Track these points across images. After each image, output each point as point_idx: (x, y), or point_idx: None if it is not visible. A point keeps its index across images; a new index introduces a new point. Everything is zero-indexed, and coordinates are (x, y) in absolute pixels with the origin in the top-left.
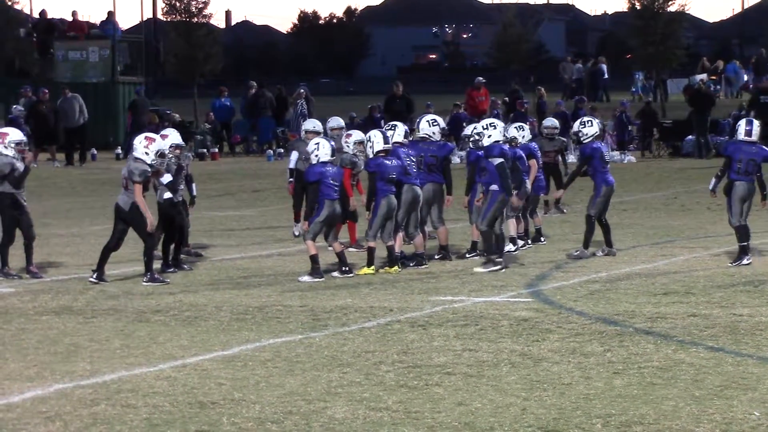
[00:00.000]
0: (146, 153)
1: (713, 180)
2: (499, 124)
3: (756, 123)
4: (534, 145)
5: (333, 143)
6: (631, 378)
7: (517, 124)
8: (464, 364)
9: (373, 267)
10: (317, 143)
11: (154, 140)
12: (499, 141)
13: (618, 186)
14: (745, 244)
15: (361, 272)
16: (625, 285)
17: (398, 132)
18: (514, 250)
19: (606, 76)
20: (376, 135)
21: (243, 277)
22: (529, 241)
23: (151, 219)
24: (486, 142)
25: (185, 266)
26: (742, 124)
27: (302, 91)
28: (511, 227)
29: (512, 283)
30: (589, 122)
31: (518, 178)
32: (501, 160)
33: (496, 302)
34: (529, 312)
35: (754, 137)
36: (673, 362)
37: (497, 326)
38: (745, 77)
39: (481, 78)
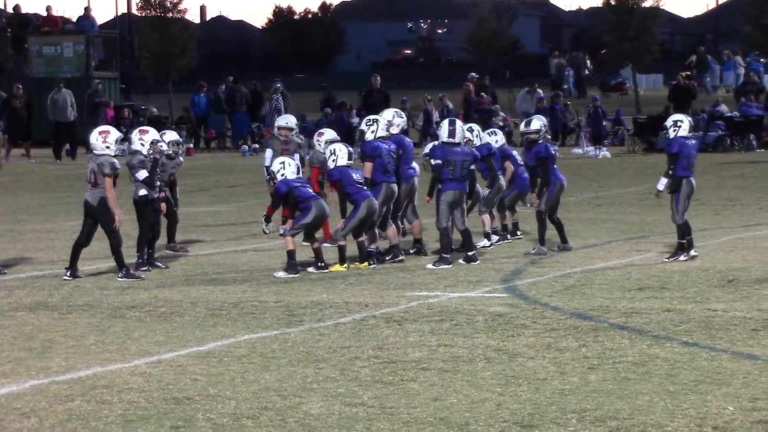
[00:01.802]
0: (107, 146)
1: (665, 180)
2: (444, 125)
3: (690, 119)
4: (509, 148)
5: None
6: (606, 373)
7: (490, 130)
8: (439, 360)
9: (346, 264)
10: (334, 149)
11: (108, 132)
12: (446, 143)
13: (593, 181)
14: (684, 241)
15: (333, 269)
16: (600, 280)
17: (380, 126)
18: (489, 246)
19: (587, 72)
20: (340, 149)
21: (218, 273)
22: (508, 236)
23: (120, 214)
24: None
25: (160, 264)
26: (684, 120)
27: (278, 86)
28: (486, 223)
29: (487, 278)
30: (544, 126)
31: (491, 176)
32: (439, 161)
33: (472, 297)
34: (504, 307)
35: (691, 132)
36: (648, 357)
37: (472, 321)
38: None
39: (474, 74)
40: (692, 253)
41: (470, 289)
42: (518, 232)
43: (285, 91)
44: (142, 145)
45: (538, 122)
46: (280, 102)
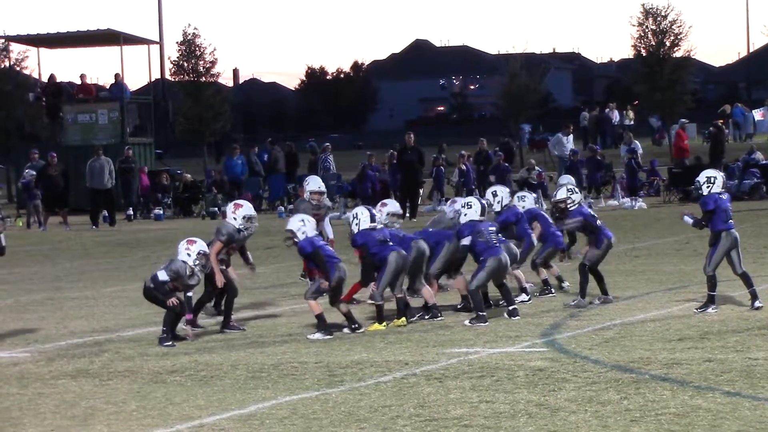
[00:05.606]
0: (234, 218)
1: (691, 219)
2: (476, 203)
3: (723, 174)
4: (536, 208)
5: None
6: (649, 425)
7: (519, 194)
8: (481, 416)
9: (384, 323)
10: (356, 213)
11: (242, 205)
12: (473, 220)
13: (630, 232)
14: (714, 293)
15: (372, 329)
16: (639, 332)
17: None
18: (527, 300)
19: (617, 121)
20: (363, 213)
21: (258, 335)
22: (552, 289)
23: (221, 278)
24: (462, 220)
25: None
26: (718, 177)
27: (327, 144)
28: (521, 278)
29: (527, 333)
30: (574, 190)
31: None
32: (468, 242)
33: (512, 353)
34: (545, 362)
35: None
36: (690, 408)
37: (513, 377)
38: (756, 116)
39: (685, 120)
40: (757, 304)
41: (510, 345)
42: (564, 284)
43: (317, 150)
44: (189, 255)
45: (562, 192)
46: (329, 161)
